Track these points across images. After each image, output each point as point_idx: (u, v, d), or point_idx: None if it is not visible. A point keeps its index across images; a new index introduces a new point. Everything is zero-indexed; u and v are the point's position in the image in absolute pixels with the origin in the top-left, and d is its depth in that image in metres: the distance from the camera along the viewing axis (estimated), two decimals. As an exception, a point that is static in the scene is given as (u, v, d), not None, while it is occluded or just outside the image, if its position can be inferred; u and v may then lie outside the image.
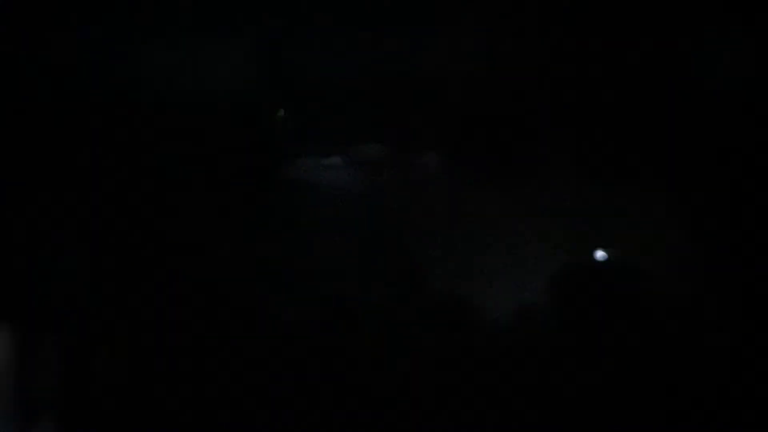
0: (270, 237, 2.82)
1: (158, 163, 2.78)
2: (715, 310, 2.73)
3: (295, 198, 2.85)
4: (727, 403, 2.63)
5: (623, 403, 2.67)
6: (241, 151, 2.81)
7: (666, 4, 2.77)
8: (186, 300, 2.74)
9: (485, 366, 2.71)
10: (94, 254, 2.78)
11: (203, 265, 2.78)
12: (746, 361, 2.66)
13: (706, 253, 2.76)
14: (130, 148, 2.78)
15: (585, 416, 2.66)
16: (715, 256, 2.76)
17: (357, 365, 2.72)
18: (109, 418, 2.70)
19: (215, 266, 2.79)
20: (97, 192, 2.78)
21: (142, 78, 2.77)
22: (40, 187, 2.77)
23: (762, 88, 2.76)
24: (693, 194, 2.79)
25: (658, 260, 2.77)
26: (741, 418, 2.61)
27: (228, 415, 2.68)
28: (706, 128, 2.78)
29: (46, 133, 2.78)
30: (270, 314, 2.78)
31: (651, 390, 2.67)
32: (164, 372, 2.70)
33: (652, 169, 2.79)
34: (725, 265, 2.75)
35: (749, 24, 2.75)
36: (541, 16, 2.78)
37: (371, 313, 2.78)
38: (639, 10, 2.77)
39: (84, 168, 2.78)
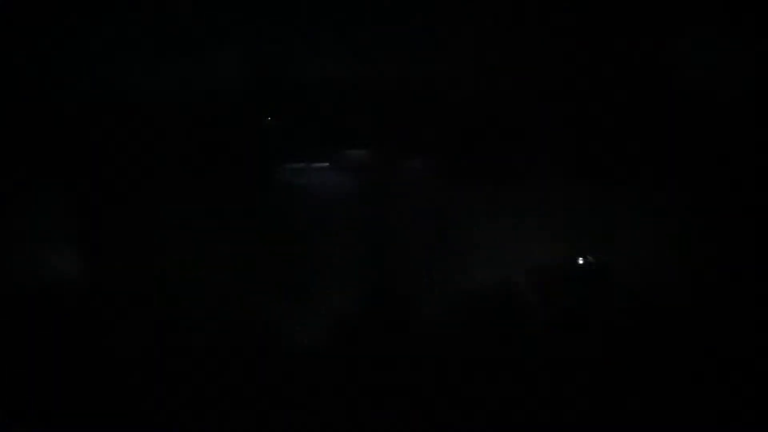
0: (264, 239, 2.82)
1: (147, 167, 2.78)
2: (714, 310, 2.73)
3: (287, 202, 2.85)
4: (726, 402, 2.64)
5: (622, 402, 2.67)
6: (235, 155, 2.82)
7: (667, 5, 2.77)
8: (177, 300, 2.75)
9: (478, 366, 2.71)
10: (87, 255, 2.78)
11: (195, 266, 2.78)
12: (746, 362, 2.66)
13: (705, 253, 2.77)
14: (120, 152, 2.78)
15: (580, 415, 2.67)
16: (715, 257, 2.76)
17: (348, 365, 2.73)
18: (109, 418, 2.70)
19: (207, 268, 2.79)
20: (90, 195, 2.78)
21: (134, 83, 2.77)
22: (31, 188, 2.78)
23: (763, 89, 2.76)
24: (691, 194, 2.79)
25: (659, 261, 2.78)
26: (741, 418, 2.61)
27: (228, 417, 2.69)
28: (706, 130, 2.78)
29: (32, 135, 2.79)
30: (265, 314, 2.78)
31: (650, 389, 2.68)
32: (159, 372, 2.71)
33: (653, 170, 2.79)
34: (726, 265, 2.75)
35: (750, 24, 2.75)
36: (538, 18, 2.77)
37: (365, 314, 2.78)
38: (639, 11, 2.77)
39: (76, 170, 2.78)
